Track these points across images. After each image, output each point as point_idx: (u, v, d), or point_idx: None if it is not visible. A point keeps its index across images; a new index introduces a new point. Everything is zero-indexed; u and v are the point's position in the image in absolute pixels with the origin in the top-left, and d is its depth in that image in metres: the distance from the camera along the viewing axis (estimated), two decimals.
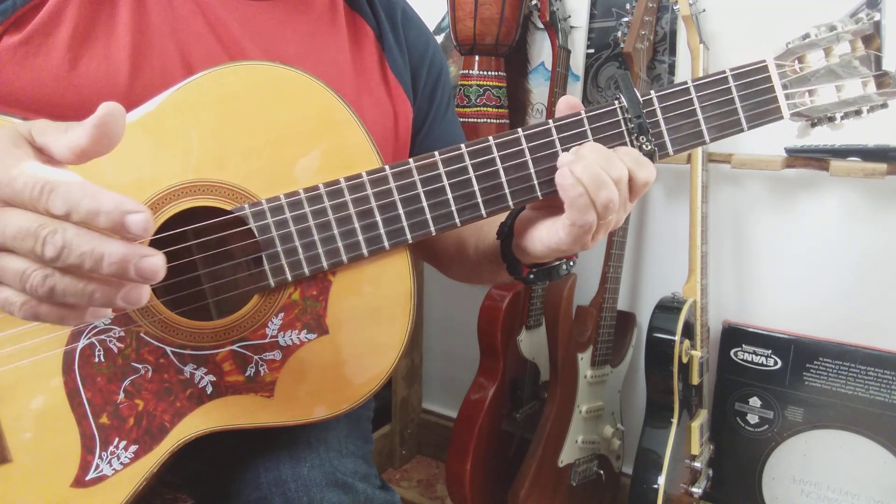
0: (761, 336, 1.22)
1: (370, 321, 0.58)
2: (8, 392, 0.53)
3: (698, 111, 0.57)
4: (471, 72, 1.30)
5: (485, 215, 0.57)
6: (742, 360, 1.23)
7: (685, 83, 0.58)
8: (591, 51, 1.35)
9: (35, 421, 0.54)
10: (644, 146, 0.57)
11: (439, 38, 1.50)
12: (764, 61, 0.58)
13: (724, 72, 0.57)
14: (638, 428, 1.16)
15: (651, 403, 1.13)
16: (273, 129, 0.56)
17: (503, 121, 1.32)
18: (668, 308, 1.10)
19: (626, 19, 1.24)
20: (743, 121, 0.58)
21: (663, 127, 0.57)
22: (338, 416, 0.57)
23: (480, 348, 1.31)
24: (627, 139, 0.57)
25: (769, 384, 1.21)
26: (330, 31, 0.72)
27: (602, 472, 1.30)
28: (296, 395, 0.57)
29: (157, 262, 0.42)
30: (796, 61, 0.59)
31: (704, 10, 1.19)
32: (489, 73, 1.30)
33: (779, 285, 1.23)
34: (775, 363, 1.20)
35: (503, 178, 0.57)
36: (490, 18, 1.24)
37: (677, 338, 1.07)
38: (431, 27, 1.50)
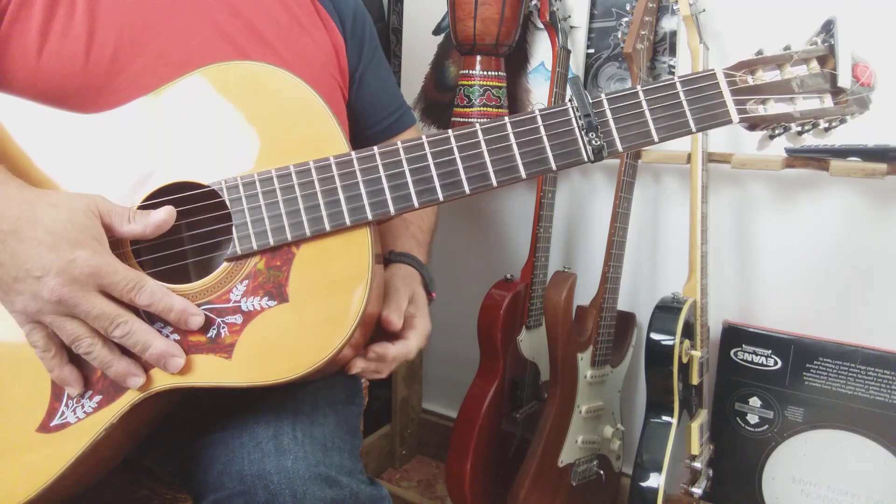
0: (761, 336, 1.22)
1: (328, 293, 0.61)
2: None
3: (647, 113, 0.63)
4: (471, 72, 1.30)
5: (441, 199, 0.62)
6: (742, 360, 1.23)
7: (635, 88, 0.63)
8: (591, 51, 1.35)
9: (10, 366, 0.58)
10: (593, 142, 0.62)
11: (439, 38, 1.50)
12: (712, 70, 0.63)
13: (672, 78, 0.63)
14: (638, 428, 1.16)
15: (651, 403, 1.13)
16: (257, 119, 0.63)
17: None
18: (668, 308, 1.10)
19: (626, 19, 1.24)
20: (691, 123, 0.62)
21: (612, 126, 0.63)
22: (291, 381, 0.59)
23: (480, 348, 1.31)
24: (578, 135, 0.62)
25: (769, 384, 1.21)
26: None
27: (602, 472, 1.30)
28: (253, 357, 0.60)
29: (181, 362, 0.58)
30: (748, 74, 0.62)
31: (704, 10, 1.19)
32: (489, 73, 1.30)
33: (779, 285, 1.23)
34: (775, 363, 1.20)
35: (460, 166, 0.62)
36: (490, 18, 1.24)
37: (677, 338, 1.07)
38: (431, 27, 1.50)
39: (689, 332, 1.10)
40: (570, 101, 0.63)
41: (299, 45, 0.79)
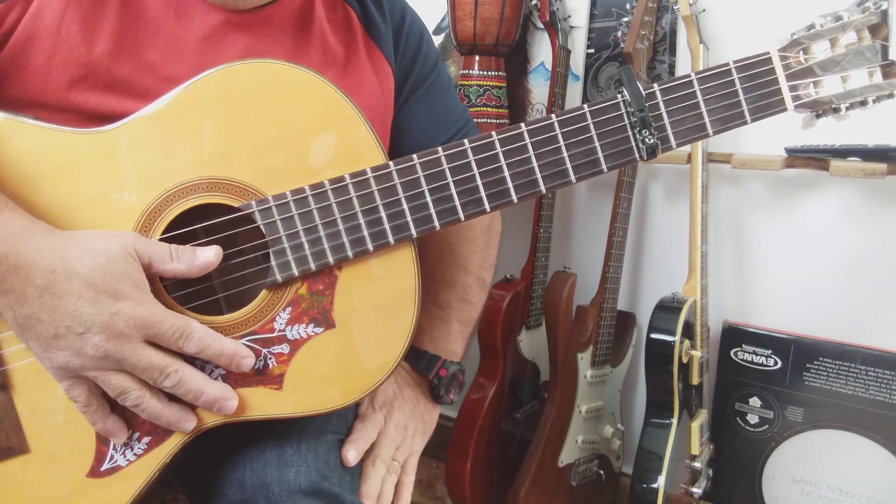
0: (761, 336, 1.22)
1: (376, 315, 0.59)
2: (27, 384, 0.55)
3: (701, 104, 0.58)
4: (471, 72, 1.30)
5: (488, 209, 0.58)
6: (742, 360, 1.23)
7: (688, 76, 0.58)
8: (591, 51, 1.34)
9: (52, 412, 0.55)
10: (647, 139, 0.58)
11: (439, 38, 1.50)
12: (768, 53, 0.58)
13: (727, 64, 0.58)
14: (638, 428, 1.16)
15: (651, 403, 1.13)
16: (280, 126, 0.58)
17: (503, 121, 1.32)
18: (668, 308, 1.10)
19: (626, 19, 1.24)
20: (746, 113, 0.58)
21: (666, 120, 0.58)
22: (345, 407, 0.59)
23: (480, 348, 1.31)
24: (630, 132, 0.58)
25: (769, 384, 1.21)
26: (306, 39, 0.72)
27: (602, 472, 1.30)
28: (305, 386, 0.58)
29: (235, 405, 0.56)
30: (801, 52, 0.59)
31: (704, 10, 1.19)
32: (489, 73, 1.30)
33: (779, 285, 1.23)
34: (775, 363, 1.20)
35: (506, 173, 0.58)
36: (490, 18, 1.24)
37: (677, 338, 1.07)
38: (431, 27, 1.49)
39: (689, 332, 1.10)
40: (619, 93, 0.58)
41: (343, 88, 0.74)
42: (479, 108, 1.30)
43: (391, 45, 0.79)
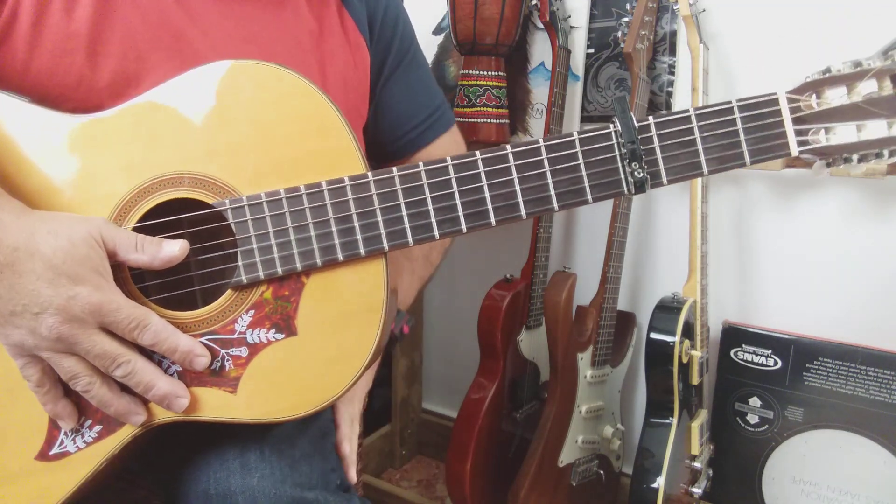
0: (761, 336, 1.22)
1: (339, 327, 0.58)
2: None
3: (698, 141, 0.56)
4: (471, 72, 1.30)
5: (464, 230, 0.57)
6: (742, 360, 1.23)
7: (687, 111, 0.56)
8: (591, 51, 1.34)
9: (7, 393, 0.55)
10: (636, 173, 0.56)
11: (439, 38, 1.50)
12: (775, 94, 0.56)
13: (729, 102, 0.56)
14: (638, 428, 1.16)
15: (651, 403, 1.13)
16: (264, 128, 0.58)
17: (503, 121, 1.32)
18: (668, 308, 1.10)
19: (626, 19, 1.24)
20: (746, 155, 0.56)
21: (659, 155, 0.56)
22: (300, 418, 0.58)
23: (480, 348, 1.31)
24: (619, 164, 0.57)
25: (769, 384, 1.21)
26: (282, 7, 0.73)
27: (602, 472, 1.30)
28: (259, 393, 0.57)
29: (185, 403, 0.56)
30: (814, 96, 0.55)
31: (704, 10, 1.19)
32: (489, 73, 1.30)
33: (779, 285, 1.23)
34: (775, 363, 1.20)
35: (487, 195, 0.57)
36: (490, 18, 1.24)
37: (677, 338, 1.07)
38: (431, 27, 1.50)
39: (689, 332, 1.10)
40: (612, 124, 0.57)
41: (316, 72, 0.74)
42: (479, 108, 1.30)
43: (365, 18, 0.80)
